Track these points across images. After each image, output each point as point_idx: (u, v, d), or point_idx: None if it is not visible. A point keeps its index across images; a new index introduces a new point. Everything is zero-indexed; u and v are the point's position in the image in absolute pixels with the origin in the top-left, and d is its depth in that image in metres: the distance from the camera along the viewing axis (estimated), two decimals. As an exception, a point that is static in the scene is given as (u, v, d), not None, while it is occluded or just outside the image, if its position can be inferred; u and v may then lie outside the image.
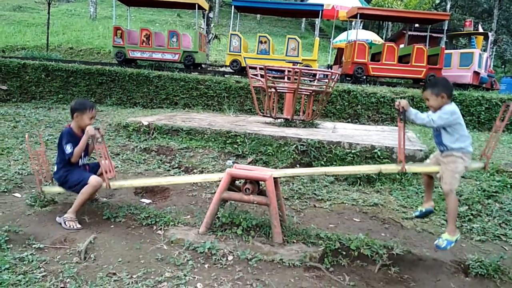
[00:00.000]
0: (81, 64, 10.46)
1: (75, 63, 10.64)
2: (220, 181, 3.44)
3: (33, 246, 3.02)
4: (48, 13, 16.38)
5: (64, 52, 18.75)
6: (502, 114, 3.14)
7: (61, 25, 23.40)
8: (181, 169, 5.14)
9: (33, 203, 3.78)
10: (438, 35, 16.88)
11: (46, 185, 3.75)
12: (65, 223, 3.41)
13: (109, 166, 3.67)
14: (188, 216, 3.76)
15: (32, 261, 2.78)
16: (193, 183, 4.70)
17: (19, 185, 4.28)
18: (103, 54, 18.41)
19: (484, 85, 13.64)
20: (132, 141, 5.89)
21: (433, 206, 3.43)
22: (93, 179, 3.52)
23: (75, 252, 2.98)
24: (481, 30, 16.13)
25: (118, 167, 5.03)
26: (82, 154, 3.68)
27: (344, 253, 3.26)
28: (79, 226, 3.42)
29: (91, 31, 22.59)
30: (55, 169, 3.70)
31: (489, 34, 16.00)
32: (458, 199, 3.36)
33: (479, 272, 3.09)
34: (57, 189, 3.71)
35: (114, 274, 2.70)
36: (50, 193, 3.82)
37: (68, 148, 3.55)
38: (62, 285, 2.55)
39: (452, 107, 2.99)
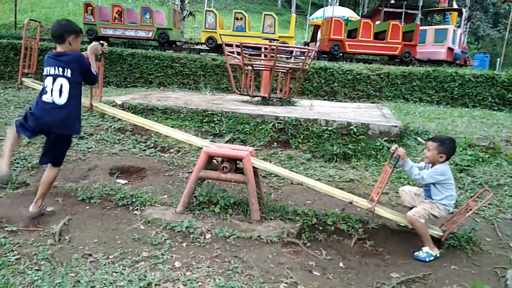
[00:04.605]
0: (51, 43, 10.09)
1: (44, 41, 10.26)
2: (201, 149, 3.42)
3: (6, 229, 2.96)
4: (15, -11, 15.70)
5: (33, 30, 18.02)
6: (477, 197, 3.21)
7: (29, 3, 22.49)
8: (157, 149, 5.08)
9: (5, 186, 3.69)
10: (413, 11, 16.96)
11: (30, 77, 3.59)
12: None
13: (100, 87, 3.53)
14: (165, 196, 3.73)
15: (5, 244, 2.73)
16: (169, 163, 4.67)
17: (-11, 168, 4.16)
18: (74, 32, 17.81)
19: (457, 61, 13.83)
20: (106, 121, 5.76)
21: None
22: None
23: (49, 234, 2.94)
24: (455, 6, 16.28)
25: (92, 147, 4.93)
26: None
27: (321, 228, 3.32)
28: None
29: (61, 8, 21.83)
30: (63, 101, 2.99)
31: (463, 10, 16.17)
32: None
33: (452, 244, 3.19)
34: (37, 86, 3.46)
35: (90, 255, 2.68)
36: (28, 87, 3.60)
37: (94, 72, 3.16)
38: (36, 268, 2.51)
39: (445, 168, 3.14)
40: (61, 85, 2.97)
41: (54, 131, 3.05)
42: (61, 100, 2.98)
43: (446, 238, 3.18)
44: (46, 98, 2.98)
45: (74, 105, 3.08)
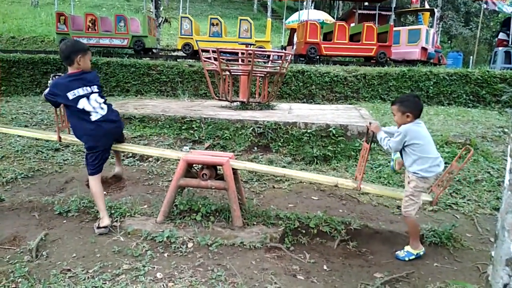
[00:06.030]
0: (23, 54, 9.88)
1: (17, 53, 10.04)
2: (178, 160, 3.37)
3: (-21, 248, 2.86)
4: (-16, 0, 15.33)
5: (5, 41, 17.65)
6: (459, 156, 3.12)
7: (0, 14, 22.01)
8: (136, 158, 4.99)
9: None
10: (387, 13, 17.24)
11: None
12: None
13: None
14: (145, 206, 3.67)
15: (-22, 263, 2.63)
16: (149, 172, 4.60)
17: (-39, 185, 4.03)
18: (47, 42, 17.48)
19: (431, 60, 14.09)
20: (83, 132, 5.64)
21: None
22: None
23: (26, 250, 2.85)
24: (427, 6, 16.61)
25: (68, 159, 4.83)
26: None
27: (304, 231, 3.31)
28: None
29: (33, 18, 21.40)
30: (107, 110, 3.19)
31: (435, 10, 16.50)
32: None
33: (433, 241, 3.22)
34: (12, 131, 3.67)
35: (69, 270, 2.60)
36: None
37: None
38: (13, 286, 2.43)
39: (407, 127, 2.89)
40: (96, 99, 3.13)
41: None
42: (104, 109, 3.16)
43: (436, 202, 3.13)
44: (95, 117, 3.10)
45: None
